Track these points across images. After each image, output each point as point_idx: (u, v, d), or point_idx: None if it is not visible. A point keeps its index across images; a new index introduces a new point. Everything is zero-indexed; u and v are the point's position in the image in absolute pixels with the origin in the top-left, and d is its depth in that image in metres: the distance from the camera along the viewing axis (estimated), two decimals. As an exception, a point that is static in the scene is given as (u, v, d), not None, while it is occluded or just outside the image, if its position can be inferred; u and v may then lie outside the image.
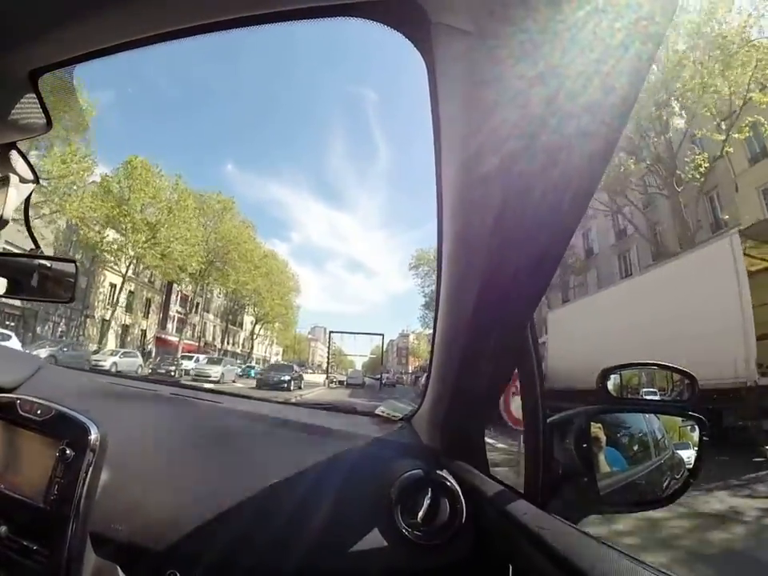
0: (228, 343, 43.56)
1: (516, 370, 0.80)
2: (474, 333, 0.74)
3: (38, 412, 0.90)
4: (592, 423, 0.73)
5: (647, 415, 0.83)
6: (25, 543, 0.82)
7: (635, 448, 0.83)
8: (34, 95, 0.71)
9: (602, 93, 0.40)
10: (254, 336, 44.98)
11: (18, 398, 0.94)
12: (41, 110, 0.74)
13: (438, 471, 0.84)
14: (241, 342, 45.18)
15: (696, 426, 0.77)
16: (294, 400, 1.89)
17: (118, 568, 0.83)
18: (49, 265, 0.95)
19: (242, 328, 45.37)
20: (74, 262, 0.94)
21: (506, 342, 0.73)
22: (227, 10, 0.55)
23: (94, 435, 0.85)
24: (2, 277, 0.98)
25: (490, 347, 0.74)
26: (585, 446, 0.71)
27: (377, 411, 1.30)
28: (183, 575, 0.79)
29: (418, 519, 0.78)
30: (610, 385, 0.82)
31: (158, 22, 0.59)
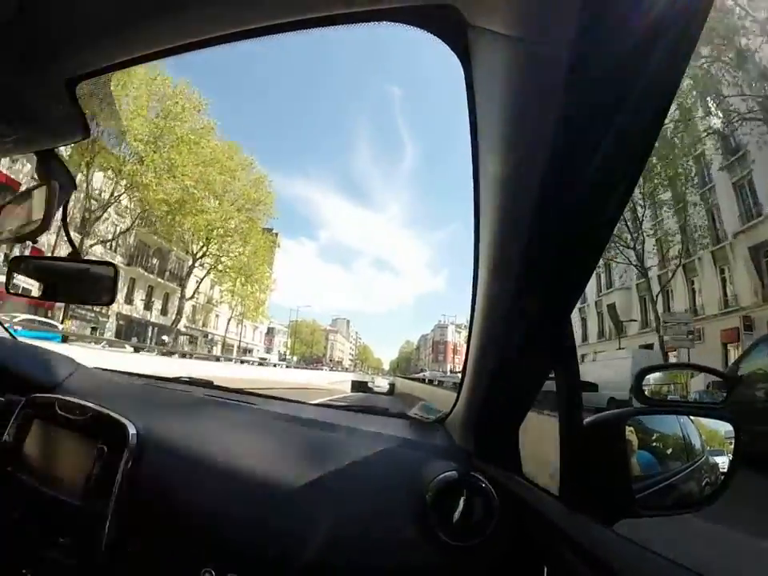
0: (153, 308, 33.45)
1: (552, 372, 0.87)
2: (509, 333, 0.82)
3: (76, 412, 1.06)
4: (627, 425, 0.82)
5: (682, 418, 0.92)
6: (62, 540, 0.96)
7: (670, 451, 0.92)
8: (72, 103, 0.82)
9: (641, 94, 0.45)
10: (196, 296, 34.26)
11: (56, 398, 1.11)
12: (78, 117, 0.85)
13: (471, 473, 0.94)
14: (180, 310, 31.59)
15: (731, 429, 0.86)
16: (327, 402, 2.11)
17: (154, 563, 0.95)
18: (87, 268, 1.10)
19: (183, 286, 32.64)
20: (112, 265, 1.08)
21: (543, 343, 0.80)
22: (265, 16, 0.63)
23: (131, 434, 1.00)
24: (43, 280, 1.14)
25: (525, 348, 0.82)
26: (620, 448, 0.80)
27: (409, 413, 1.44)
28: (219, 573, 0.90)
29: (453, 521, 0.88)
30: (645, 387, 0.94)
31: (195, 30, 0.68)
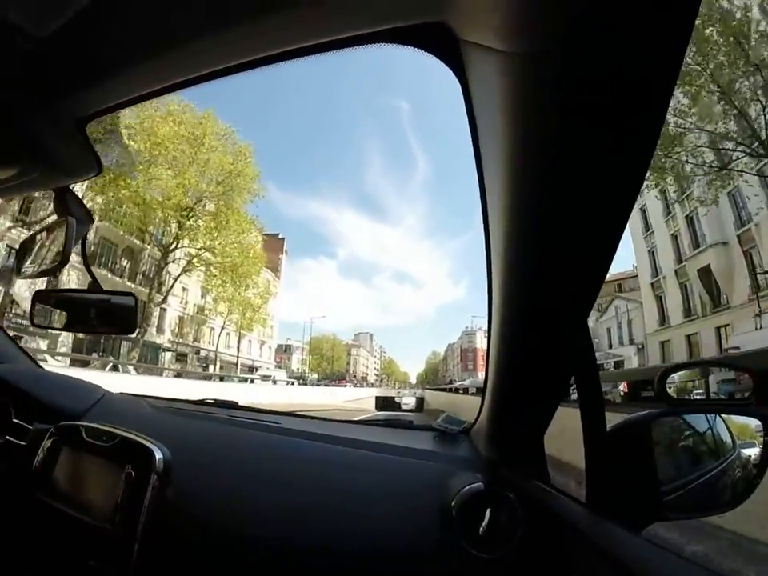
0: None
1: (573, 377, 0.90)
2: (528, 341, 0.84)
3: (103, 438, 1.11)
4: (653, 427, 0.84)
5: (709, 416, 0.94)
6: (91, 563, 1.00)
7: (698, 451, 0.94)
8: (83, 141, 0.88)
9: (636, 98, 0.47)
10: (183, 305, 31.64)
11: (83, 425, 1.16)
12: (90, 155, 0.91)
13: (498, 483, 0.97)
14: (148, 317, 25.71)
15: (761, 424, 0.85)
16: (351, 418, 2.19)
17: None
18: (108, 299, 1.16)
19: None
20: (132, 295, 1.14)
21: (562, 349, 0.83)
22: (265, 47, 0.66)
23: (158, 459, 1.04)
24: (64, 311, 1.20)
25: (545, 355, 0.84)
26: (645, 451, 0.83)
27: (434, 425, 1.46)
28: None
29: (480, 532, 0.91)
30: (669, 387, 0.92)
31: (198, 65, 0.72)
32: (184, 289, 32.55)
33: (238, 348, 37.91)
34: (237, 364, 36.77)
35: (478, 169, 0.74)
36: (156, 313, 29.03)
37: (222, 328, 35.63)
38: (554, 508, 0.87)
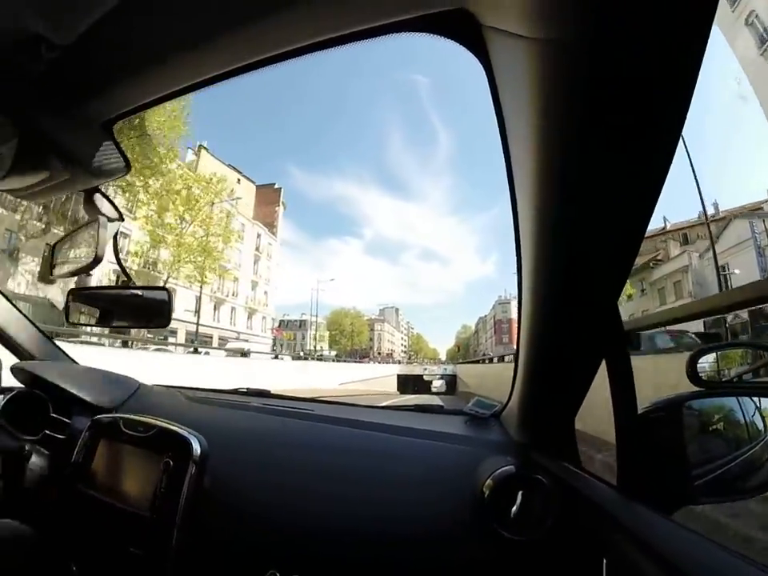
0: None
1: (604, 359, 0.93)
2: (559, 323, 0.87)
3: (141, 429, 1.19)
4: (684, 410, 0.88)
5: (741, 399, 0.96)
6: (131, 549, 1.09)
7: (729, 434, 0.96)
8: (111, 142, 0.95)
9: (661, 85, 0.49)
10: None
11: (120, 417, 1.25)
12: (118, 155, 0.98)
13: (529, 467, 1.02)
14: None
15: None
16: (382, 404, 2.30)
17: (220, 567, 1.08)
18: (141, 294, 1.24)
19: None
20: (165, 289, 1.21)
21: (593, 331, 0.85)
22: (289, 42, 0.71)
23: (196, 448, 1.12)
24: (100, 308, 1.29)
25: (576, 337, 0.87)
26: (677, 434, 0.86)
27: (464, 409, 1.53)
28: (283, 574, 1.01)
29: (512, 515, 0.96)
30: (701, 369, 0.95)
31: (228, 61, 0.76)
32: (125, 236, 25.73)
33: (198, 313, 30.18)
34: (196, 332, 29.64)
35: (504, 149, 0.76)
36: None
37: (166, 282, 25.87)
38: (585, 491, 0.92)
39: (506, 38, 0.56)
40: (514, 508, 0.97)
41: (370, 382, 29.32)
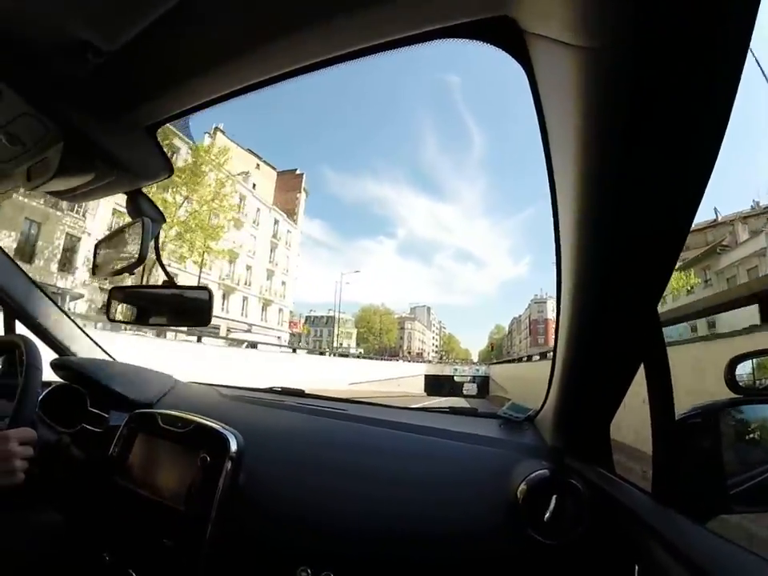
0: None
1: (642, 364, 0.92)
2: (598, 325, 0.88)
3: (178, 424, 1.23)
4: (721, 417, 0.88)
5: None
6: (165, 542, 1.13)
7: (767, 443, 0.95)
8: (154, 146, 1.00)
9: (704, 89, 0.50)
10: None
11: (159, 413, 1.30)
12: (161, 158, 1.03)
13: (563, 471, 1.03)
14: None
15: None
16: (416, 405, 2.33)
17: (252, 562, 1.11)
18: (182, 293, 1.27)
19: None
20: (206, 289, 1.24)
21: (632, 334, 0.86)
22: (334, 48, 0.73)
23: (233, 445, 1.16)
24: (140, 306, 1.34)
25: (614, 341, 0.88)
26: (713, 441, 0.87)
27: (499, 412, 1.54)
28: (315, 572, 1.04)
29: (545, 519, 0.97)
30: (740, 376, 0.95)
31: (270, 68, 0.80)
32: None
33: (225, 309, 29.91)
34: (229, 330, 29.66)
35: (545, 152, 0.78)
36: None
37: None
38: (620, 497, 0.92)
39: (549, 44, 0.57)
40: (548, 512, 0.98)
41: (389, 382, 27.88)
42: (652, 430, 0.91)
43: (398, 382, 29.28)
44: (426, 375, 38.62)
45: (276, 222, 43.42)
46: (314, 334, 71.70)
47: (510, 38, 0.65)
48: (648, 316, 0.85)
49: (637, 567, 0.79)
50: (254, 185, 40.06)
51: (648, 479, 0.92)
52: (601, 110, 0.55)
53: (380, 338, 76.76)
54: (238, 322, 35.30)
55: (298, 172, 52.76)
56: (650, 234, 0.67)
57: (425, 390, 33.80)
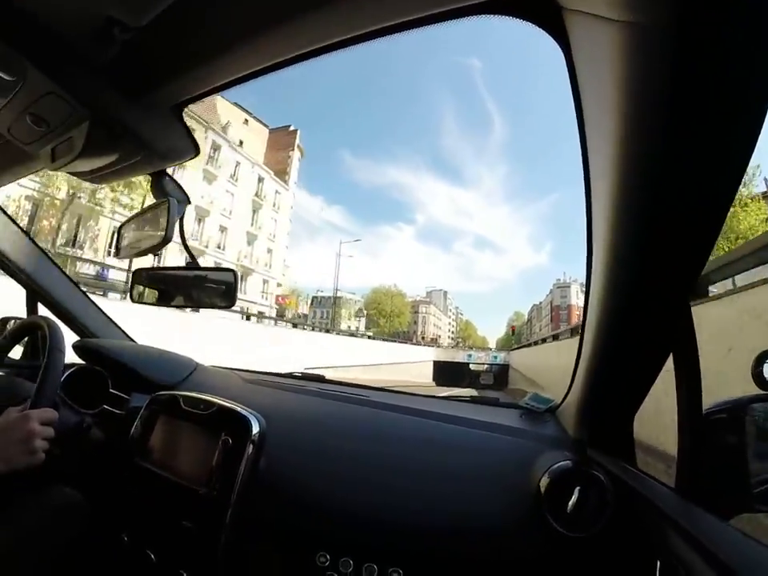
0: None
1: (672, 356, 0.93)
2: (625, 317, 0.89)
3: (201, 407, 1.28)
4: (747, 414, 0.89)
5: None
6: (185, 523, 1.16)
7: None
8: (180, 126, 1.01)
9: (749, 67, 0.50)
10: None
11: (181, 395, 1.34)
12: (188, 138, 1.05)
13: (586, 463, 1.04)
14: None
15: None
16: (439, 394, 2.38)
17: (271, 546, 1.15)
18: (206, 275, 1.30)
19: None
20: (232, 271, 1.27)
21: (661, 326, 0.87)
22: (361, 25, 0.74)
23: (255, 428, 1.20)
24: (163, 288, 1.38)
25: (643, 331, 0.89)
26: (739, 438, 0.87)
27: (520, 403, 1.58)
28: (333, 557, 1.07)
29: (567, 511, 0.99)
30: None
31: (295, 47, 0.80)
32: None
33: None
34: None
35: (580, 134, 0.78)
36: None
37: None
38: (642, 491, 0.94)
39: (588, 20, 0.57)
40: (570, 504, 1.00)
41: (382, 369, 25.47)
42: (678, 424, 0.93)
43: (395, 369, 27.04)
44: (435, 362, 36.38)
45: (261, 179, 40.42)
46: (321, 315, 70.22)
47: (547, 14, 0.65)
48: (679, 305, 0.86)
49: (658, 562, 0.81)
50: (241, 141, 37.92)
51: (671, 474, 0.94)
52: (643, 88, 0.56)
53: (390, 322, 73.50)
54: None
55: (291, 128, 49.53)
56: (686, 222, 0.68)
57: (433, 379, 31.83)
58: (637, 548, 0.92)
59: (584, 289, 1.03)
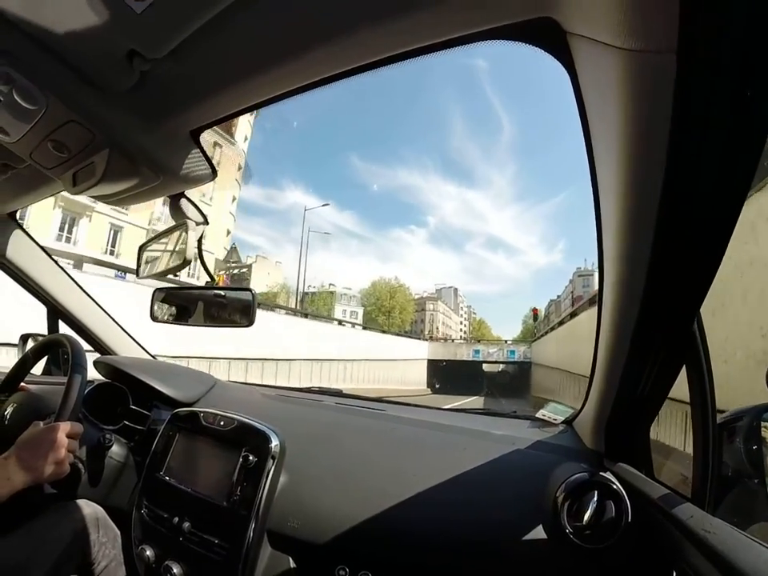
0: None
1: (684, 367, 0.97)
2: (639, 328, 0.90)
3: (221, 423, 1.34)
4: (762, 422, 0.92)
5: None
6: (206, 537, 1.22)
7: None
8: (197, 150, 1.07)
9: (755, 95, 0.53)
10: None
11: (201, 411, 1.40)
12: (204, 162, 1.10)
13: (602, 475, 1.08)
14: None
15: None
16: (454, 405, 2.47)
17: (291, 560, 1.20)
18: (224, 294, 1.37)
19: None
20: (250, 290, 1.34)
21: (674, 337, 0.90)
22: (372, 54, 0.78)
23: (275, 443, 1.26)
24: (182, 306, 1.45)
25: (656, 342, 0.92)
26: (754, 447, 0.91)
27: (537, 415, 1.63)
28: (352, 571, 1.12)
29: (583, 522, 1.03)
30: None
31: (311, 74, 0.85)
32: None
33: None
34: None
35: (588, 151, 0.81)
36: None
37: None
38: (659, 501, 0.96)
39: (593, 46, 0.60)
40: (587, 515, 1.04)
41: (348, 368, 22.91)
42: (693, 435, 0.96)
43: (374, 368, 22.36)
44: (429, 361, 30.34)
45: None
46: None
47: (553, 39, 0.68)
48: (692, 315, 0.89)
49: (675, 572, 0.85)
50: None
51: (688, 484, 0.97)
52: (648, 112, 0.59)
53: (390, 318, 67.82)
54: (97, 261, 19.79)
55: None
56: (694, 237, 0.72)
57: (428, 386, 26.67)
58: (653, 559, 0.96)
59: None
